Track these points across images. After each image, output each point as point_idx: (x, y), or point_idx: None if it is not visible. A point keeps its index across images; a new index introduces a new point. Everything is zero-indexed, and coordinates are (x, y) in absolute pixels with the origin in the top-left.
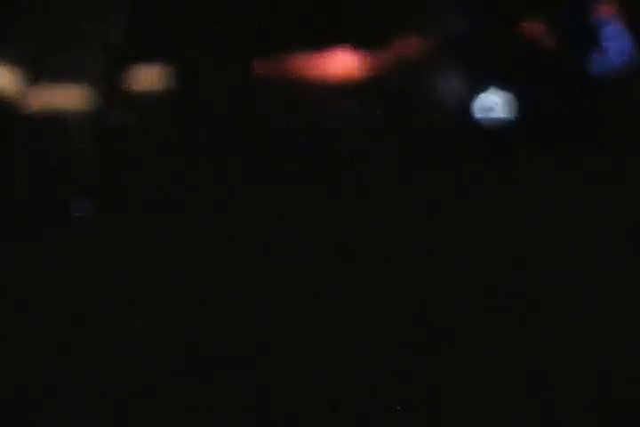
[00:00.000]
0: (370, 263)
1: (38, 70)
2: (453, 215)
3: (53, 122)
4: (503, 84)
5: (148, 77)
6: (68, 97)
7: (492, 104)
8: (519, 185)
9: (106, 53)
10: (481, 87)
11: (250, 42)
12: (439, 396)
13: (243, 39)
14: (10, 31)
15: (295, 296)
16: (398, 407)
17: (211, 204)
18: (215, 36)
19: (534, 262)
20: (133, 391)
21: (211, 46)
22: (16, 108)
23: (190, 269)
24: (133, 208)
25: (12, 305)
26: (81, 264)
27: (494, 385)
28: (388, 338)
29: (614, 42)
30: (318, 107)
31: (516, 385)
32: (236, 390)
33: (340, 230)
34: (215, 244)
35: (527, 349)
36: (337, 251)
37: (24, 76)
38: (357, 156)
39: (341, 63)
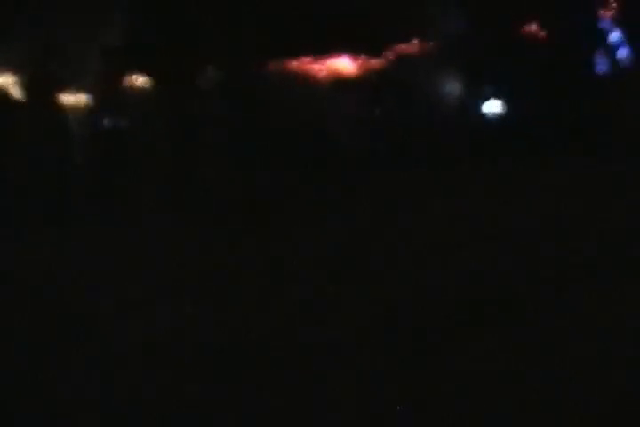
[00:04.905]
0: (368, 264)
1: (39, 72)
2: (453, 216)
3: (54, 123)
4: (503, 85)
5: (147, 79)
6: (68, 98)
7: (492, 103)
8: (519, 185)
9: (106, 55)
10: (480, 87)
11: (253, 46)
12: (438, 396)
13: (245, 43)
14: (11, 34)
15: (294, 297)
16: (398, 407)
17: (211, 204)
18: (219, 39)
19: (532, 263)
20: (132, 391)
21: (215, 49)
22: (17, 110)
23: (190, 269)
24: (133, 208)
25: (12, 304)
26: (81, 264)
27: (492, 385)
28: (388, 339)
29: (615, 43)
30: (319, 107)
31: (513, 385)
32: (236, 389)
33: (339, 231)
34: (214, 244)
35: (524, 349)
36: (335, 251)
37: (24, 78)
38: (357, 155)
39: (343, 68)
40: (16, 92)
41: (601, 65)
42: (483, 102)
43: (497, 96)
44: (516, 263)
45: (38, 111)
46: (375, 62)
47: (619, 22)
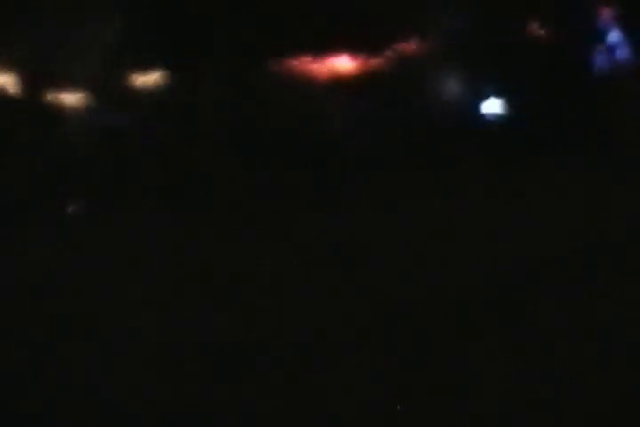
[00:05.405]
0: (368, 264)
1: (37, 71)
2: (452, 216)
3: (53, 122)
4: (502, 84)
5: (147, 78)
6: (67, 97)
7: (491, 102)
8: (519, 185)
9: (106, 53)
10: (480, 87)
11: (250, 45)
12: (438, 396)
13: (243, 42)
14: (9, 32)
15: (294, 297)
16: (399, 407)
17: (210, 204)
18: (216, 37)
19: (532, 263)
20: (132, 391)
21: (212, 48)
22: (16, 109)
23: (189, 269)
24: (133, 207)
25: (11, 306)
26: (81, 264)
27: (492, 385)
28: (388, 339)
29: (615, 42)
30: (319, 107)
31: (513, 385)
32: (236, 389)
33: (338, 232)
34: (214, 244)
35: (524, 349)
36: (335, 251)
37: (24, 77)
38: (357, 156)
39: (342, 67)
40: (16, 91)
41: (601, 65)
42: (483, 102)
43: (497, 96)
44: (515, 263)
45: (38, 111)
46: (375, 62)
47: (618, 22)
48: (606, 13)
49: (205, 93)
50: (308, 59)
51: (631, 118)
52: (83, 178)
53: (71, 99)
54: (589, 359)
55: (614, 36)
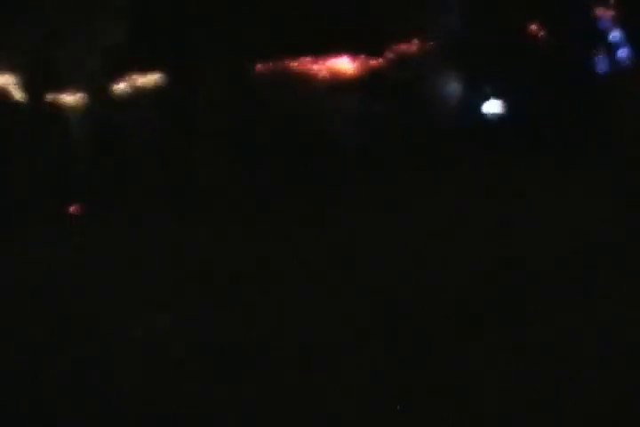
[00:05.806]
0: (368, 264)
1: (37, 71)
2: (452, 216)
3: (54, 123)
4: (502, 85)
5: (147, 78)
6: (67, 97)
7: (491, 103)
8: (519, 185)
9: (106, 55)
10: (480, 87)
11: (250, 45)
12: (438, 396)
13: (243, 42)
14: (9, 32)
15: (294, 297)
16: (398, 407)
17: (210, 204)
18: (216, 37)
19: (532, 262)
20: (132, 391)
21: (212, 48)
22: (16, 109)
23: (189, 269)
24: (133, 207)
25: (12, 304)
26: (81, 264)
27: (491, 385)
28: (388, 339)
29: (615, 43)
30: (319, 107)
31: (513, 385)
32: (236, 389)
33: (338, 232)
34: (214, 244)
35: (524, 349)
36: (335, 251)
37: (24, 78)
38: (357, 156)
39: (342, 68)
40: (16, 92)
41: (601, 65)
42: (483, 102)
43: (497, 96)
44: (516, 263)
45: (38, 111)
46: (375, 62)
47: (618, 22)
48: (606, 14)
49: (205, 93)
50: (309, 59)
51: (631, 118)
52: (83, 178)
53: (71, 99)
54: (589, 359)
55: (614, 36)
